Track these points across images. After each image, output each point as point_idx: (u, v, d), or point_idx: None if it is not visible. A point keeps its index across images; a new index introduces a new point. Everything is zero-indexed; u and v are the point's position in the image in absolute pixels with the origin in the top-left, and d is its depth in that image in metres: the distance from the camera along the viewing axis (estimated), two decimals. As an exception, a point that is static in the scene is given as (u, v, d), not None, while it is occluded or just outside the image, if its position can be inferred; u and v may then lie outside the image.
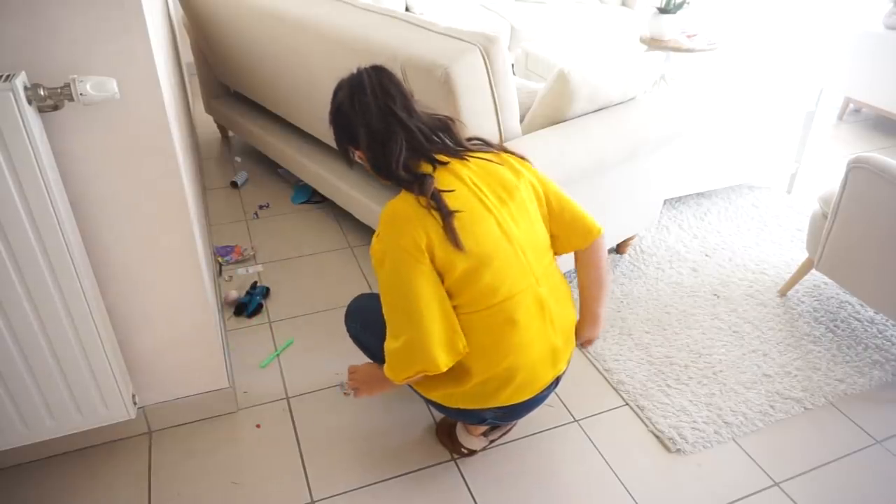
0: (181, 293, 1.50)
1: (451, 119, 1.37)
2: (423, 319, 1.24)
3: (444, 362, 1.26)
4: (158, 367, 1.59)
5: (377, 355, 1.45)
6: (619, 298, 2.25)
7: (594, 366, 1.97)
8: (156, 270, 1.45)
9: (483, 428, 1.63)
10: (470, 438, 1.64)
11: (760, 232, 2.70)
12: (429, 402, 1.49)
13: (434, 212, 1.23)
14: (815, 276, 2.40)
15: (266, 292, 2.22)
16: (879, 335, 2.12)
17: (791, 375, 1.94)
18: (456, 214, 1.24)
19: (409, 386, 1.47)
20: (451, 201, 1.25)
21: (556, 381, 1.46)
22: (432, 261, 1.25)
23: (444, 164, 1.31)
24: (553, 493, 1.58)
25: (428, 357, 1.25)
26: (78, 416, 1.43)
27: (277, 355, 1.94)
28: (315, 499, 1.55)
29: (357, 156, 1.36)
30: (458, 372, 1.35)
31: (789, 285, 2.29)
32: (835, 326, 2.15)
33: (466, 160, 1.34)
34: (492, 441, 1.67)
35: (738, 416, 1.79)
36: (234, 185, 2.93)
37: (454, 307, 1.30)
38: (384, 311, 1.31)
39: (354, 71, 1.31)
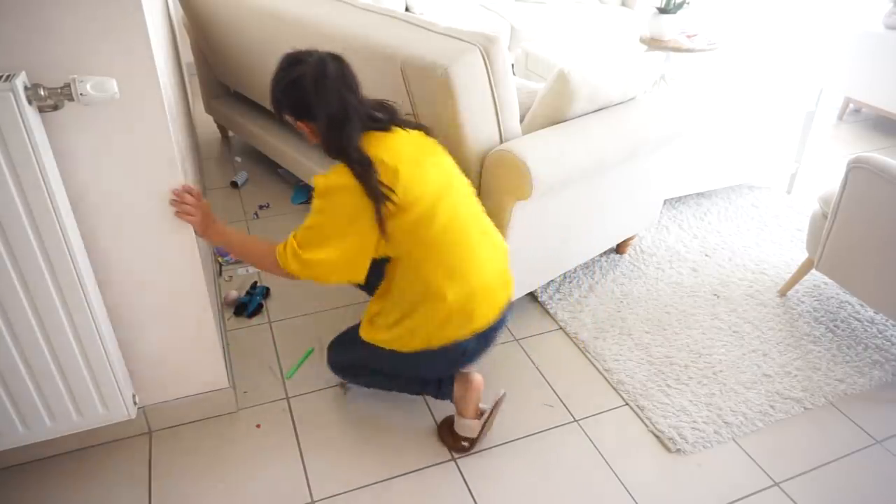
0: (181, 293, 1.50)
1: (393, 102, 1.54)
2: (331, 251, 1.43)
3: (335, 280, 1.47)
4: (158, 367, 1.59)
5: (388, 378, 1.67)
6: (619, 298, 2.25)
7: (594, 366, 1.98)
8: (156, 270, 1.45)
9: (473, 405, 1.64)
10: (466, 424, 1.65)
11: (760, 232, 2.70)
12: (414, 367, 1.59)
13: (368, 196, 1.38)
14: (815, 276, 2.40)
15: (266, 292, 2.22)
16: (879, 335, 2.12)
17: (791, 375, 1.94)
18: (401, 168, 1.40)
19: (395, 353, 1.57)
20: (390, 154, 1.41)
21: (508, 308, 1.60)
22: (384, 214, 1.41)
23: (381, 133, 1.47)
24: (553, 494, 1.58)
25: (330, 278, 1.47)
26: (78, 417, 1.43)
27: (301, 364, 1.94)
28: (315, 499, 1.55)
29: (300, 126, 1.46)
30: (435, 303, 1.47)
31: (789, 285, 2.29)
32: (835, 326, 2.15)
33: (404, 131, 1.51)
34: (485, 423, 1.66)
35: (738, 416, 1.79)
36: (234, 185, 2.93)
37: (418, 241, 1.45)
38: (309, 225, 1.43)
39: (315, 54, 1.41)
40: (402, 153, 1.44)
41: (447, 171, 1.53)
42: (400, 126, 1.52)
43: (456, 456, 1.66)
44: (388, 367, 1.64)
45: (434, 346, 1.51)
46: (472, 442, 1.67)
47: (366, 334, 1.59)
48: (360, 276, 1.47)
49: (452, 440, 1.68)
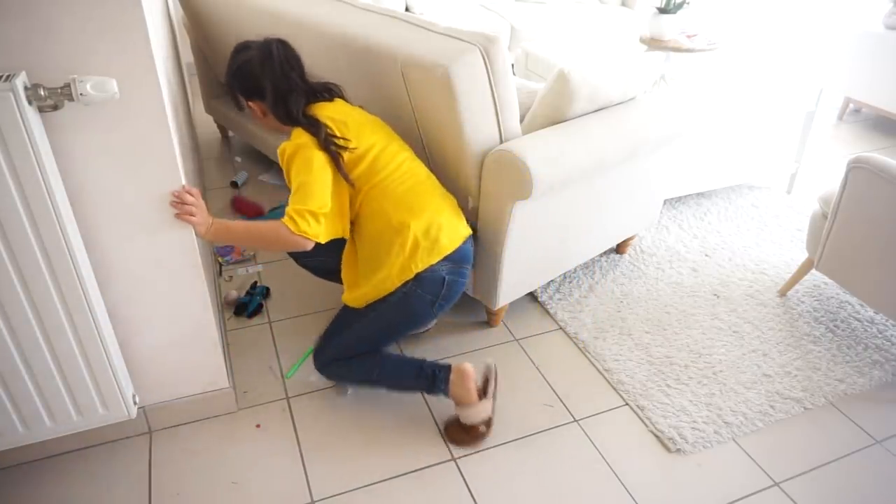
0: (181, 293, 1.50)
1: (336, 85, 1.70)
2: (326, 196, 1.53)
3: (323, 235, 1.54)
4: (158, 367, 1.59)
5: (379, 369, 1.70)
6: (619, 298, 2.25)
7: (594, 366, 1.97)
8: (156, 270, 1.45)
9: (473, 390, 1.65)
10: (474, 410, 1.65)
11: (760, 232, 2.70)
12: (399, 321, 1.68)
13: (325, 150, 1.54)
14: (815, 276, 2.40)
15: (266, 292, 2.22)
16: (879, 335, 2.12)
17: (791, 375, 1.94)
18: (349, 121, 1.58)
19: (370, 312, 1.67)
20: (336, 111, 1.60)
21: (469, 242, 1.72)
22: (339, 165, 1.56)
23: (326, 102, 1.65)
24: (553, 493, 1.58)
25: (331, 230, 1.57)
26: (78, 417, 1.43)
27: (301, 364, 1.94)
28: (315, 499, 1.55)
29: (250, 104, 1.64)
30: (402, 234, 1.58)
31: (789, 285, 2.29)
32: (835, 326, 2.15)
33: (347, 102, 1.70)
34: (493, 395, 1.69)
35: (738, 416, 1.79)
36: (234, 185, 2.93)
37: (376, 184, 1.59)
38: (296, 187, 1.52)
39: (262, 40, 1.58)
40: (346, 112, 1.63)
41: (389, 130, 1.71)
42: (343, 99, 1.69)
43: (456, 456, 1.66)
44: (376, 335, 1.69)
45: (410, 276, 1.59)
46: (490, 422, 1.69)
47: (350, 299, 1.70)
48: (347, 226, 1.62)
49: (468, 435, 1.68)
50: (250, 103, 1.63)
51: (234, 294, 2.18)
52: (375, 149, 1.60)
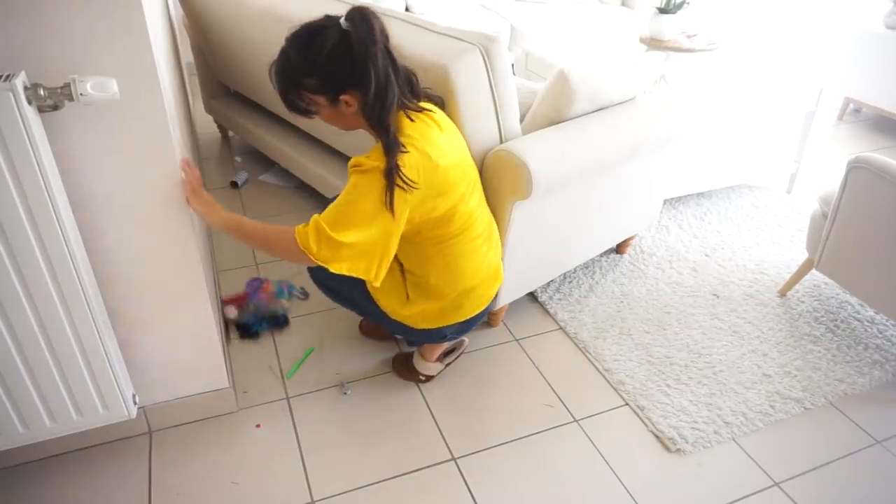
0: (181, 293, 1.50)
1: (416, 76, 1.46)
2: (360, 233, 1.32)
3: (339, 268, 1.35)
4: (158, 367, 1.59)
5: (358, 302, 1.70)
6: (619, 298, 2.25)
7: (594, 366, 1.97)
8: (156, 270, 1.45)
9: (438, 353, 1.84)
10: (427, 365, 1.85)
11: (760, 232, 2.70)
12: (394, 325, 1.68)
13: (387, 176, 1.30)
14: (815, 276, 2.40)
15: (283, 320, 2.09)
16: (879, 335, 2.12)
17: (791, 375, 1.94)
18: (441, 164, 1.36)
19: (380, 312, 1.66)
20: (435, 148, 1.36)
21: (495, 298, 1.74)
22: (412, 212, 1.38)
23: (416, 115, 1.39)
24: (553, 493, 1.58)
25: (347, 266, 1.35)
26: (78, 417, 1.43)
27: (301, 363, 1.94)
28: (315, 499, 1.55)
29: (343, 100, 1.31)
30: (434, 293, 1.58)
31: (789, 285, 2.29)
32: (835, 326, 2.15)
33: (433, 112, 1.45)
34: (447, 364, 1.90)
35: (738, 416, 1.79)
36: (234, 185, 2.93)
37: (436, 237, 1.49)
38: (341, 203, 1.34)
39: (331, 16, 1.29)
40: (443, 149, 1.38)
41: (468, 167, 1.52)
42: (425, 103, 1.45)
43: (456, 456, 1.66)
44: (373, 313, 1.72)
45: (419, 328, 1.65)
46: (430, 378, 1.87)
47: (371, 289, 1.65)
48: (381, 273, 1.39)
49: (409, 373, 1.87)
50: (343, 96, 1.30)
51: (234, 312, 2.05)
52: (449, 205, 1.44)
